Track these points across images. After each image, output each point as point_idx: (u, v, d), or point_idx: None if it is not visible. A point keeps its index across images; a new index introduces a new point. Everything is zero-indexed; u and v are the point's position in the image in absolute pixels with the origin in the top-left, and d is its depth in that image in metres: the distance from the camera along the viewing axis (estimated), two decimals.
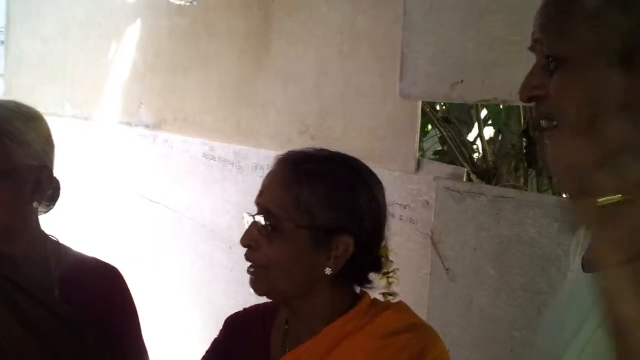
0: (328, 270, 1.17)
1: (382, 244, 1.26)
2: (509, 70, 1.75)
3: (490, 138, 3.29)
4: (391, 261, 1.28)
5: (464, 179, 2.11)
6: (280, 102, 2.83)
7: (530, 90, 0.90)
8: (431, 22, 2.05)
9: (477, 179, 2.84)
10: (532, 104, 0.93)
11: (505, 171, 3.04)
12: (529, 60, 0.93)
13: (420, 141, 2.94)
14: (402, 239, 2.22)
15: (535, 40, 0.90)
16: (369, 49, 2.36)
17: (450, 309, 2.05)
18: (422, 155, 2.85)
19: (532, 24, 0.92)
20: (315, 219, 1.15)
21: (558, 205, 1.77)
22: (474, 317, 1.96)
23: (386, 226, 1.25)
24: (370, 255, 1.23)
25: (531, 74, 0.91)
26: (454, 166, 2.22)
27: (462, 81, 1.93)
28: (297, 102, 2.73)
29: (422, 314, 2.10)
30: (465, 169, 2.19)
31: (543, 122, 0.90)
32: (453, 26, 1.97)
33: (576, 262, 1.01)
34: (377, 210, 1.22)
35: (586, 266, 0.97)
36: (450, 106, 3.15)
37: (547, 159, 0.91)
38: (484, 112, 3.11)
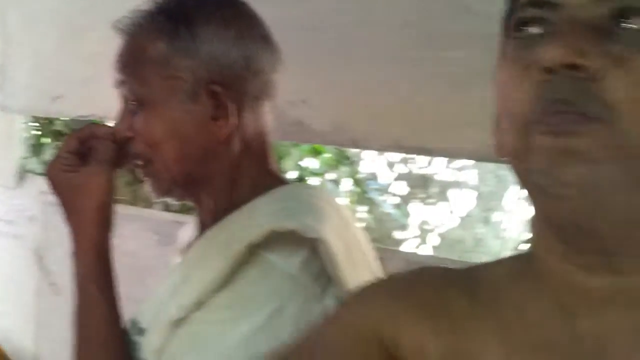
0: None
1: None
2: (107, 86, 1.81)
3: None
4: None
5: None
6: None
7: (123, 133, 0.96)
8: (29, 35, 2.02)
9: None
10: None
11: (122, 186, 3.11)
12: None
13: (33, 155, 2.84)
14: (7, 256, 2.14)
15: (117, 82, 0.97)
16: None
17: (57, 323, 2.04)
18: (28, 170, 2.76)
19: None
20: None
21: (158, 219, 1.89)
22: None
23: None
24: None
25: (120, 115, 0.98)
26: None
27: (61, 96, 1.94)
28: None
29: (30, 329, 2.06)
30: None
31: (138, 161, 0.98)
32: (51, 40, 1.97)
33: None
34: None
35: None
36: (73, 120, 3.10)
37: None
38: None
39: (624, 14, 0.52)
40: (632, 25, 0.52)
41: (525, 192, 0.58)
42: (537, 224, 0.60)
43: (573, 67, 0.51)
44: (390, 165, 4.70)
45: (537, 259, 0.61)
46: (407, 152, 1.45)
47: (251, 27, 0.95)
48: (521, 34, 0.56)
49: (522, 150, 0.54)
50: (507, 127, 0.56)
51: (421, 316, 0.63)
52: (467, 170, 4.51)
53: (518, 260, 0.65)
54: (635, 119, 0.51)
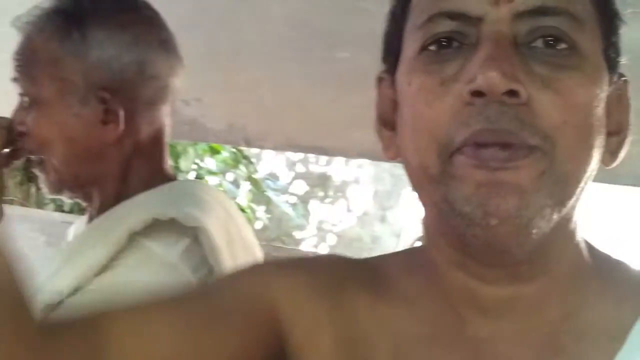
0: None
1: None
2: None
3: None
4: None
5: None
6: None
7: (17, 128, 0.94)
8: None
9: None
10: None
11: (13, 185, 2.99)
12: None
13: None
14: None
15: (14, 79, 0.95)
16: None
17: None
18: None
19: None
20: None
21: (47, 220, 1.83)
22: None
23: None
24: None
25: (15, 111, 0.95)
26: None
27: None
28: None
29: None
30: None
31: (32, 157, 0.95)
32: None
33: None
34: None
35: None
36: None
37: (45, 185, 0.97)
38: None
39: (546, 33, 0.51)
40: (554, 44, 0.51)
41: (427, 205, 0.57)
42: (434, 233, 0.59)
43: (509, 93, 0.49)
44: (290, 165, 4.72)
45: (430, 261, 0.61)
46: (300, 151, 1.46)
47: (149, 32, 0.94)
48: (435, 47, 0.53)
49: (442, 174, 0.52)
50: (424, 146, 0.53)
51: (319, 303, 0.62)
52: (364, 170, 4.60)
53: (413, 255, 0.65)
54: (568, 144, 0.50)
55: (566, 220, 0.54)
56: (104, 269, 0.85)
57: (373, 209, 4.55)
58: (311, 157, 4.62)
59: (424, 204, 0.58)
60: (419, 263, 0.63)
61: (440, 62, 0.53)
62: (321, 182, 4.73)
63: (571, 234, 0.57)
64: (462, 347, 0.57)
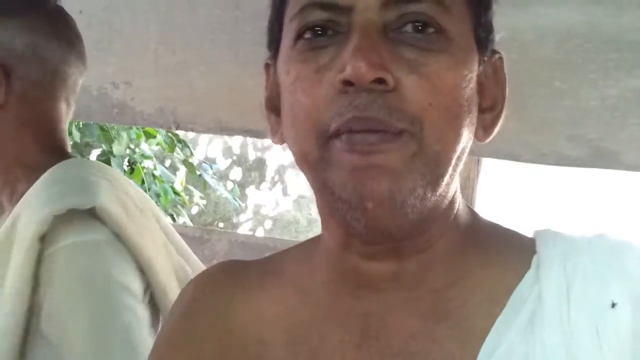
0: None
1: None
2: None
3: None
4: None
5: None
6: None
7: None
8: None
9: None
10: None
11: None
12: None
13: None
14: None
15: None
16: None
17: None
18: None
19: None
20: None
21: None
22: None
23: None
24: None
25: None
26: None
27: None
28: None
29: None
30: None
31: None
32: None
33: None
34: None
35: None
36: None
37: None
38: None
39: (413, 18, 0.53)
40: (422, 29, 0.53)
41: (314, 189, 0.59)
42: (324, 216, 0.61)
43: (377, 81, 0.51)
44: (227, 149, 4.69)
45: (323, 247, 0.64)
46: (231, 134, 1.46)
47: (45, 21, 1.00)
48: (310, 35, 0.55)
49: (321, 160, 0.54)
50: (302, 133, 0.55)
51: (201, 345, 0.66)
52: None
53: (309, 246, 0.68)
54: (435, 126, 0.52)
55: (442, 197, 0.57)
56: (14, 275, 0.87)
57: (309, 192, 4.58)
58: (248, 141, 4.61)
59: (312, 188, 0.60)
60: (312, 253, 0.66)
61: (315, 49, 0.55)
62: (258, 166, 4.71)
63: (450, 209, 0.59)
64: (352, 322, 0.59)
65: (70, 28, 1.04)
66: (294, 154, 0.58)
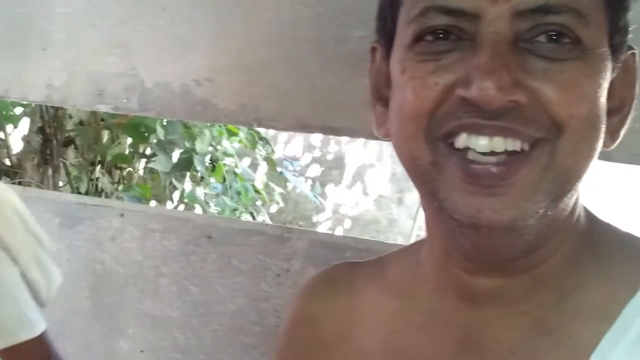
0: None
1: None
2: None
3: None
4: None
5: None
6: None
7: None
8: None
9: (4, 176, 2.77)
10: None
11: (30, 168, 3.01)
12: None
13: None
14: None
15: None
16: None
17: None
18: None
19: None
20: None
21: (61, 202, 1.83)
22: None
23: None
24: None
25: None
26: None
27: None
28: None
29: None
30: None
31: None
32: None
33: None
34: None
35: None
36: None
37: None
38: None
39: (549, 29, 0.50)
40: (557, 39, 0.50)
41: (420, 193, 0.57)
42: (429, 220, 0.59)
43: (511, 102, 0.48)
44: (307, 147, 4.71)
45: (426, 255, 0.63)
46: (312, 132, 1.45)
47: None
48: (431, 37, 0.52)
49: (432, 165, 0.52)
50: (409, 133, 0.53)
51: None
52: (381, 151, 4.58)
53: (411, 253, 0.67)
54: (573, 137, 0.49)
55: (563, 210, 0.53)
56: None
57: (390, 191, 4.54)
58: (329, 139, 4.61)
59: (417, 190, 0.58)
60: (415, 261, 0.65)
61: (435, 53, 0.52)
62: (338, 164, 4.71)
63: (569, 220, 0.56)
64: (450, 333, 0.58)
65: None
66: (400, 155, 0.56)
